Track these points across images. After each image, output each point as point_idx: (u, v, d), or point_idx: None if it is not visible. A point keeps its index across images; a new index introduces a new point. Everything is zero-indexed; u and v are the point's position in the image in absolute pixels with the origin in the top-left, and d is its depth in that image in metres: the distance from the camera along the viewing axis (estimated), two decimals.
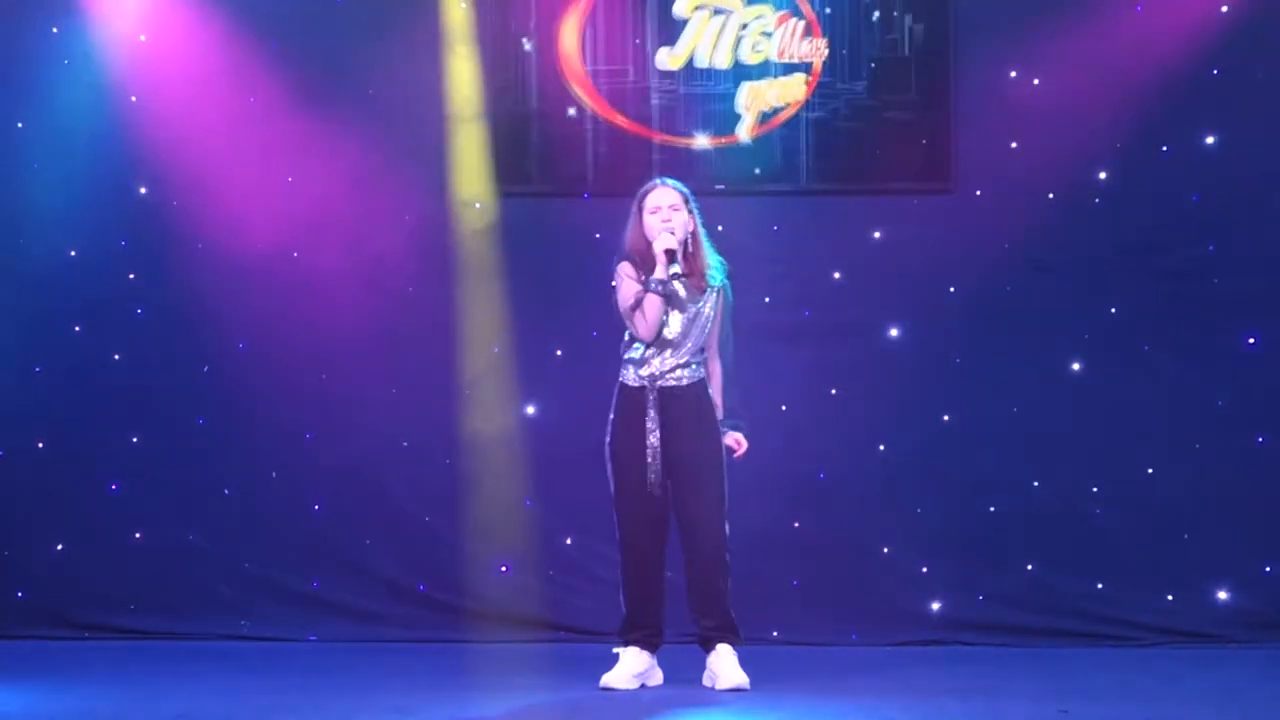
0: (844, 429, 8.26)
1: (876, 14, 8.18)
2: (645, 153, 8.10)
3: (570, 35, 7.86)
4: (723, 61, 7.97)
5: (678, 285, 6.84)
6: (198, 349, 8.42)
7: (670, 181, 6.99)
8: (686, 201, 6.93)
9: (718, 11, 7.73)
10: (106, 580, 8.38)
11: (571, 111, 8.12)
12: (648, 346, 6.85)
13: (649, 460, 6.79)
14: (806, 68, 8.16)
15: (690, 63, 8.02)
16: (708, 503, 6.84)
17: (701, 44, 7.78)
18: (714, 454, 6.89)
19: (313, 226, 8.39)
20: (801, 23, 8.07)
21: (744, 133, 7.93)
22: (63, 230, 8.43)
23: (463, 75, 8.24)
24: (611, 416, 6.91)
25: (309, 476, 8.38)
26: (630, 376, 6.89)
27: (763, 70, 8.16)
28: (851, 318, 8.28)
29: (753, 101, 7.84)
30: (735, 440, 7.00)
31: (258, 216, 8.37)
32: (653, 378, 6.86)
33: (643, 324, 6.81)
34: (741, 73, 8.17)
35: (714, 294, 6.94)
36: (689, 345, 6.88)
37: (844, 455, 8.25)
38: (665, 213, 6.88)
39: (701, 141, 8.06)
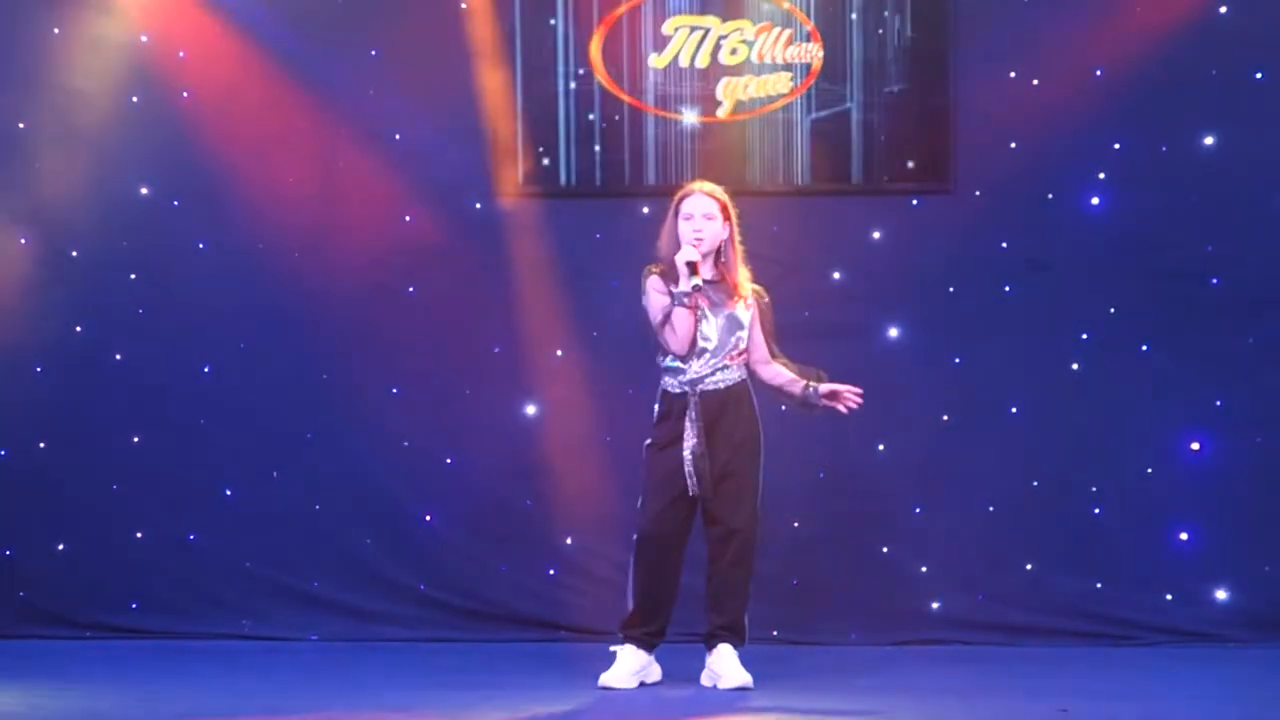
0: (844, 429, 8.25)
1: (875, 15, 8.19)
2: (652, 130, 8.28)
3: (596, 49, 8.19)
4: (702, 63, 8.22)
5: (706, 292, 6.83)
6: (198, 349, 8.42)
7: (708, 187, 6.95)
8: (725, 209, 6.90)
9: (695, 28, 8.17)
10: (107, 580, 8.38)
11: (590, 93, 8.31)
12: (684, 357, 6.84)
13: (688, 465, 6.77)
14: (797, 69, 8.19)
15: (675, 63, 8.21)
16: (743, 508, 6.82)
17: (684, 50, 8.20)
18: (753, 458, 6.87)
19: (313, 226, 8.39)
20: (788, 31, 8.19)
21: (723, 114, 8.20)
22: (63, 230, 8.44)
23: (491, 83, 8.28)
24: (654, 420, 6.91)
25: (309, 476, 8.39)
26: (672, 384, 6.88)
27: (742, 69, 8.22)
28: (851, 318, 8.28)
29: (729, 92, 8.20)
30: (833, 388, 6.95)
31: (258, 216, 8.38)
32: (694, 382, 6.84)
33: (674, 338, 6.79)
34: (721, 71, 8.24)
35: (749, 299, 6.92)
36: (726, 349, 6.87)
37: (844, 455, 8.25)
38: (698, 221, 6.86)
39: (689, 118, 8.21)
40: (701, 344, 6.83)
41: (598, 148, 8.30)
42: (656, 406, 6.93)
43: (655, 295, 6.85)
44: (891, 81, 8.21)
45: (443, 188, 8.36)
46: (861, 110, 8.23)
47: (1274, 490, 8.12)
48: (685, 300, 6.75)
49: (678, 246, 6.86)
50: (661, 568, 6.85)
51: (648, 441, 6.92)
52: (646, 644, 6.92)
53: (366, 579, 8.37)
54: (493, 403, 8.33)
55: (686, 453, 6.77)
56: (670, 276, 6.83)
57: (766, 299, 7.01)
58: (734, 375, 6.89)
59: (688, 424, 6.79)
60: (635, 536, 6.88)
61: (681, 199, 6.92)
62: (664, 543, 6.83)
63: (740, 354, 6.91)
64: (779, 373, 7.00)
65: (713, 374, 6.86)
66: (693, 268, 6.76)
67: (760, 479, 6.90)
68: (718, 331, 6.85)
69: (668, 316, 6.78)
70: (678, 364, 6.85)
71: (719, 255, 6.89)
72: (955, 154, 8.23)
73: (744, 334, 6.91)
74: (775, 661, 7.36)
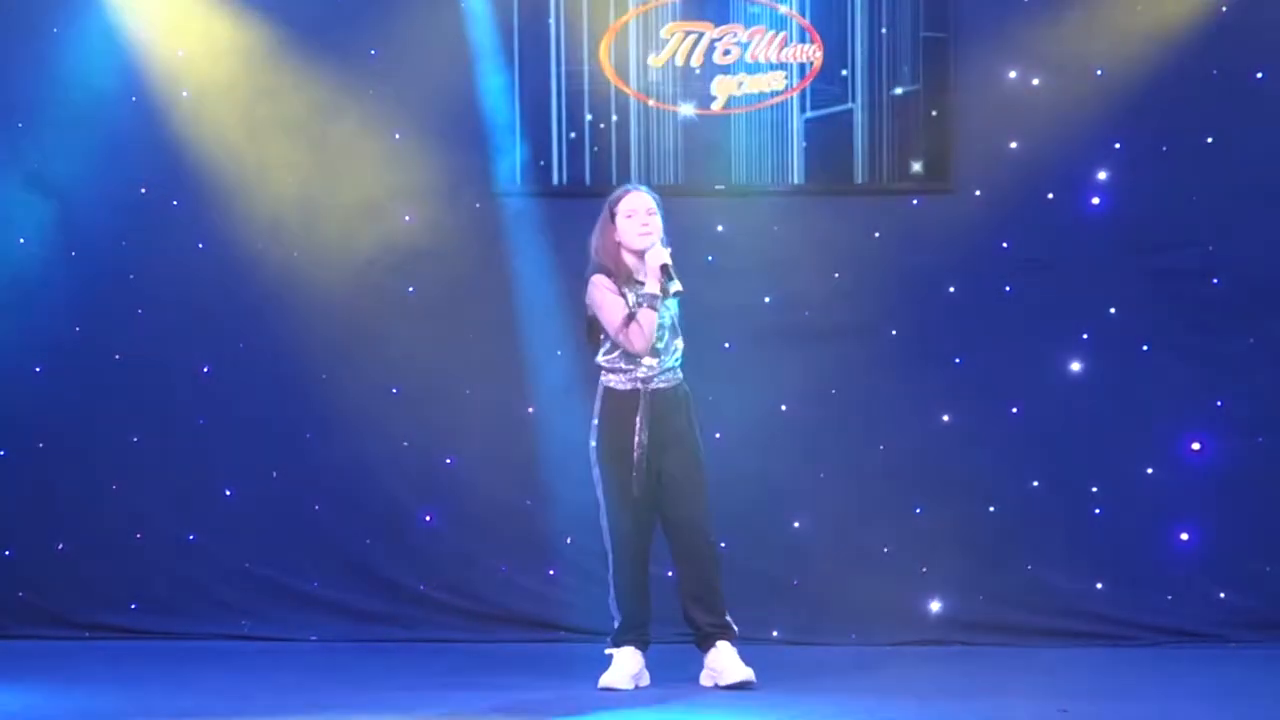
0: (844, 429, 8.26)
1: (877, 16, 8.20)
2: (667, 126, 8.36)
3: (604, 52, 8.27)
4: (696, 62, 8.28)
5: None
6: (198, 349, 8.42)
7: (643, 187, 7.01)
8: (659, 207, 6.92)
9: (690, 32, 8.29)
10: (106, 580, 8.38)
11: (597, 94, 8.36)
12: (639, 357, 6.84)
13: (636, 462, 6.77)
14: (792, 69, 8.23)
15: (671, 63, 8.27)
16: (699, 503, 6.84)
17: (679, 51, 8.30)
18: (700, 456, 6.91)
19: (312, 226, 8.39)
20: (781, 33, 8.24)
21: (716, 107, 8.29)
22: (63, 230, 8.44)
23: (489, 83, 8.29)
24: (596, 421, 6.88)
25: (309, 476, 8.38)
26: (618, 381, 6.86)
27: (736, 68, 8.26)
28: (851, 318, 8.27)
29: (722, 89, 8.29)
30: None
31: (257, 216, 8.38)
32: (645, 381, 6.84)
33: (640, 339, 6.76)
34: (715, 69, 8.28)
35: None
36: (673, 348, 6.89)
37: (844, 455, 8.25)
38: (643, 216, 6.84)
39: (686, 109, 8.28)
40: (656, 345, 6.84)
41: (595, 148, 8.31)
42: (598, 405, 6.89)
43: (610, 295, 6.80)
44: (891, 81, 8.22)
45: (443, 188, 8.36)
46: (862, 110, 8.23)
47: (1274, 490, 8.12)
48: (653, 302, 6.74)
49: (614, 248, 6.85)
50: (642, 572, 6.88)
51: (594, 443, 6.88)
52: (642, 644, 6.92)
53: (366, 579, 8.37)
54: (493, 403, 8.33)
55: (636, 451, 6.78)
56: (616, 276, 6.81)
57: None
58: (677, 376, 6.92)
59: (639, 422, 6.79)
60: (611, 548, 6.86)
61: (617, 200, 6.91)
62: (642, 548, 6.86)
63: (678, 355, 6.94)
64: None
65: (663, 374, 6.87)
66: (667, 270, 6.76)
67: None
68: (668, 328, 6.86)
69: (631, 317, 6.76)
70: (624, 362, 6.84)
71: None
72: (955, 154, 8.23)
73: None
74: (775, 661, 7.36)
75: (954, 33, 8.21)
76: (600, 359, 6.89)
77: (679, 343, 6.92)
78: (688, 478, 6.84)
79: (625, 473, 6.79)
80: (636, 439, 6.78)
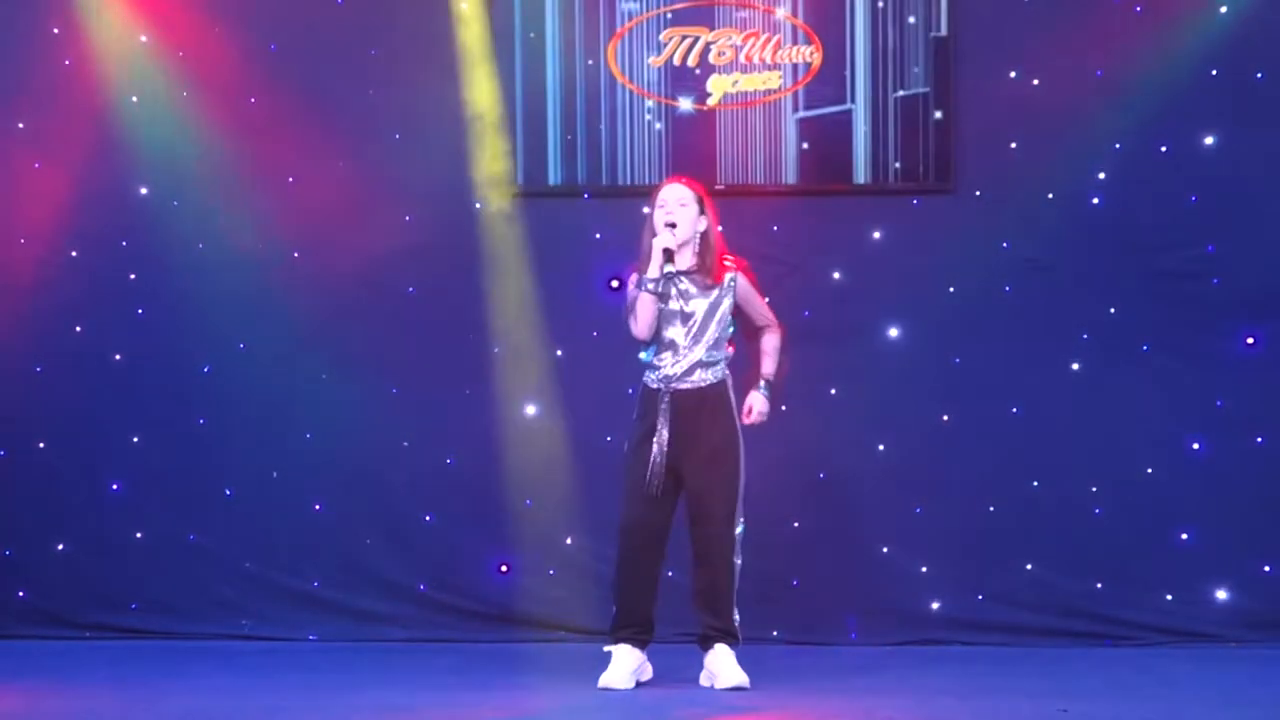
0: (844, 429, 8.26)
1: (877, 17, 8.21)
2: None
3: (606, 53, 8.32)
4: (693, 62, 8.34)
5: (686, 283, 6.83)
6: (198, 349, 8.42)
7: (682, 180, 7.01)
8: (699, 201, 6.92)
9: (686, 36, 8.37)
10: (107, 580, 8.38)
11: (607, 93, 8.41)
12: (660, 349, 6.84)
13: (652, 461, 6.78)
14: (785, 69, 8.25)
15: (670, 63, 8.32)
16: (720, 505, 6.82)
17: (677, 53, 8.37)
18: (731, 457, 6.86)
19: (313, 226, 8.39)
20: (776, 36, 8.27)
21: (711, 102, 8.35)
22: (63, 230, 8.44)
23: (482, 85, 8.29)
24: (634, 416, 6.94)
25: (309, 476, 8.38)
26: (649, 378, 6.90)
27: (730, 68, 8.30)
28: (851, 318, 8.28)
29: (717, 87, 8.36)
30: (756, 407, 6.92)
31: (258, 216, 8.38)
32: (667, 380, 6.85)
33: (633, 324, 6.83)
34: (711, 69, 8.31)
35: (728, 288, 6.91)
36: (704, 343, 6.87)
37: (844, 455, 8.25)
38: (671, 206, 6.88)
39: (685, 104, 8.34)
40: (675, 339, 6.84)
41: (596, 147, 8.31)
42: (637, 403, 6.95)
43: (631, 287, 6.89)
44: (891, 81, 8.22)
45: (443, 188, 8.36)
46: (863, 110, 8.24)
47: (1274, 490, 8.12)
48: (651, 286, 6.76)
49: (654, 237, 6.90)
50: (639, 566, 6.86)
51: (628, 439, 6.95)
52: (639, 642, 6.92)
53: (366, 579, 8.37)
54: (493, 403, 8.33)
55: (655, 449, 6.79)
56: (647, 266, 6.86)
57: (738, 272, 6.97)
58: (712, 375, 6.89)
59: (659, 421, 6.81)
60: (618, 539, 6.89)
61: (655, 191, 6.98)
62: (641, 540, 6.84)
63: (728, 343, 6.92)
64: (759, 349, 7.03)
65: (689, 372, 6.86)
66: (668, 254, 6.78)
67: (740, 481, 6.87)
68: (693, 326, 6.86)
69: (633, 302, 6.80)
70: (655, 359, 6.86)
71: (704, 245, 6.89)
72: (955, 154, 8.23)
73: (727, 320, 6.91)
74: (775, 661, 7.36)
75: (954, 33, 8.21)
76: (641, 354, 6.93)
77: (729, 347, 6.93)
78: (709, 484, 6.82)
79: (640, 469, 6.81)
80: (656, 438, 6.79)
